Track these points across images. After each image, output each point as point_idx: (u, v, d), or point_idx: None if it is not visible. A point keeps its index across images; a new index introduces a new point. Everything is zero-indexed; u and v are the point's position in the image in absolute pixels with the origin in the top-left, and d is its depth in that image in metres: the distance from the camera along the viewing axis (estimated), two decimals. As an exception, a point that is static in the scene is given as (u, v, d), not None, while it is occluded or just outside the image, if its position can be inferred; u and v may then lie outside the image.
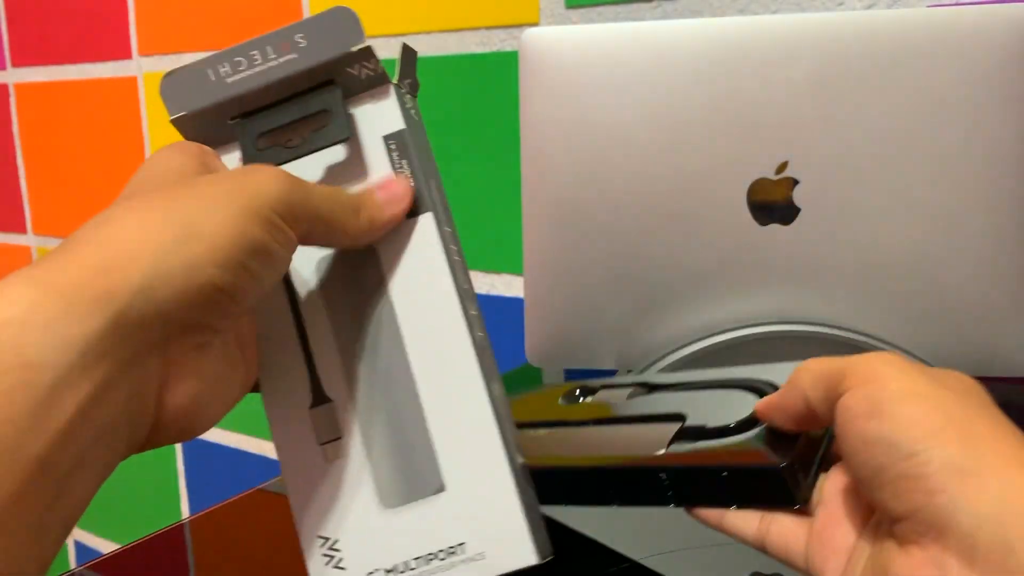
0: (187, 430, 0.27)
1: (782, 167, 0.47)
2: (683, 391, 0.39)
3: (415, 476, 0.30)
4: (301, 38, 0.32)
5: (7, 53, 1.18)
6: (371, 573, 0.29)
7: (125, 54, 1.04)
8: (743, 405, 0.34)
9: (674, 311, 0.49)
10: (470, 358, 0.30)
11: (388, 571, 0.29)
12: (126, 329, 0.24)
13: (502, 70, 0.75)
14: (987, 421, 0.25)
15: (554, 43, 0.48)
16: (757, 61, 0.46)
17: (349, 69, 0.32)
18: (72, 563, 1.31)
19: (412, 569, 0.29)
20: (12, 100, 1.19)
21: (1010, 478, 0.22)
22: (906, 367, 0.26)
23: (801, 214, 0.47)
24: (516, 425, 0.32)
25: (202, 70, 0.31)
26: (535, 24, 0.72)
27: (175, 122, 0.32)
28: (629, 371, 0.51)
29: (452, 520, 0.30)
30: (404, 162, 0.32)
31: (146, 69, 1.02)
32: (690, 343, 0.49)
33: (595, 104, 0.47)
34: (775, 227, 0.47)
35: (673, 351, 0.49)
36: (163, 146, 0.31)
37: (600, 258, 0.49)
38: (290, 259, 0.29)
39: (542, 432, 0.37)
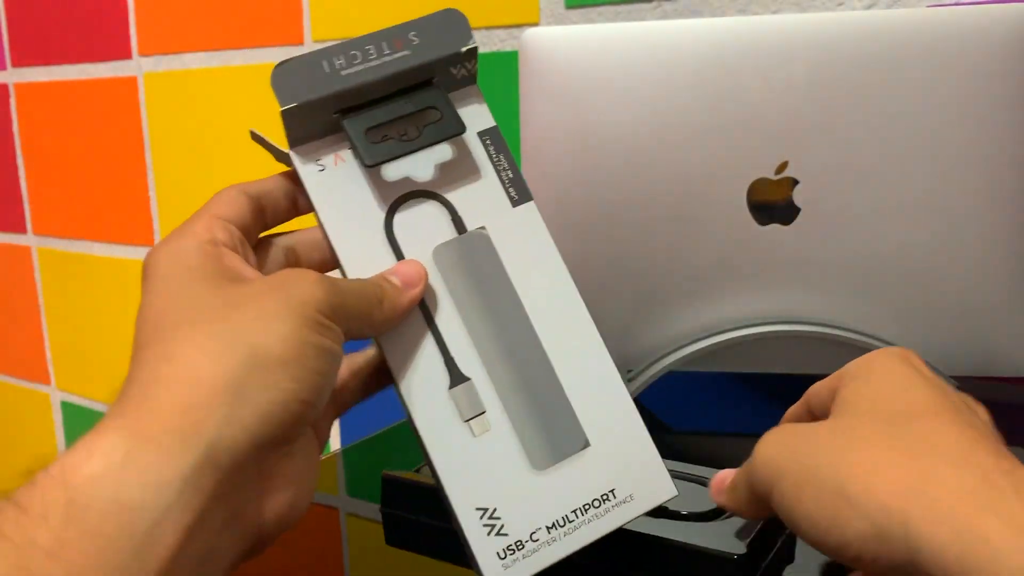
0: (285, 528, 0.28)
1: (782, 167, 0.47)
2: None
3: (561, 437, 0.32)
4: (415, 36, 0.33)
5: (7, 53, 1.18)
6: (533, 533, 0.31)
7: (125, 54, 1.04)
8: (699, 497, 0.37)
9: (674, 311, 0.49)
10: (590, 324, 0.33)
11: (549, 528, 0.31)
12: (218, 460, 0.25)
13: (502, 70, 0.75)
14: (870, 451, 0.26)
15: (554, 43, 0.48)
16: (757, 61, 0.46)
17: (452, 69, 0.34)
18: (72, 563, 1.32)
19: (571, 522, 0.31)
20: (12, 100, 1.20)
21: (904, 516, 0.24)
22: (784, 447, 0.28)
23: (801, 214, 0.47)
24: None
25: (316, 61, 0.32)
26: (535, 24, 0.72)
27: (285, 113, 0.32)
28: (629, 371, 0.51)
29: (600, 471, 0.32)
30: (500, 156, 0.34)
31: (146, 69, 1.02)
32: (690, 343, 0.49)
33: (595, 104, 0.47)
34: (775, 227, 0.47)
35: (673, 351, 0.50)
36: (165, 243, 0.30)
37: (600, 258, 0.49)
38: (342, 352, 0.30)
39: None
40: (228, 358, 0.26)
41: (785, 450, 0.28)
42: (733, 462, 0.33)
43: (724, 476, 0.33)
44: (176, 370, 0.26)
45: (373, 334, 0.32)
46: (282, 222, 0.35)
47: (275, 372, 0.26)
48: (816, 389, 0.33)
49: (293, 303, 0.28)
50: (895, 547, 0.24)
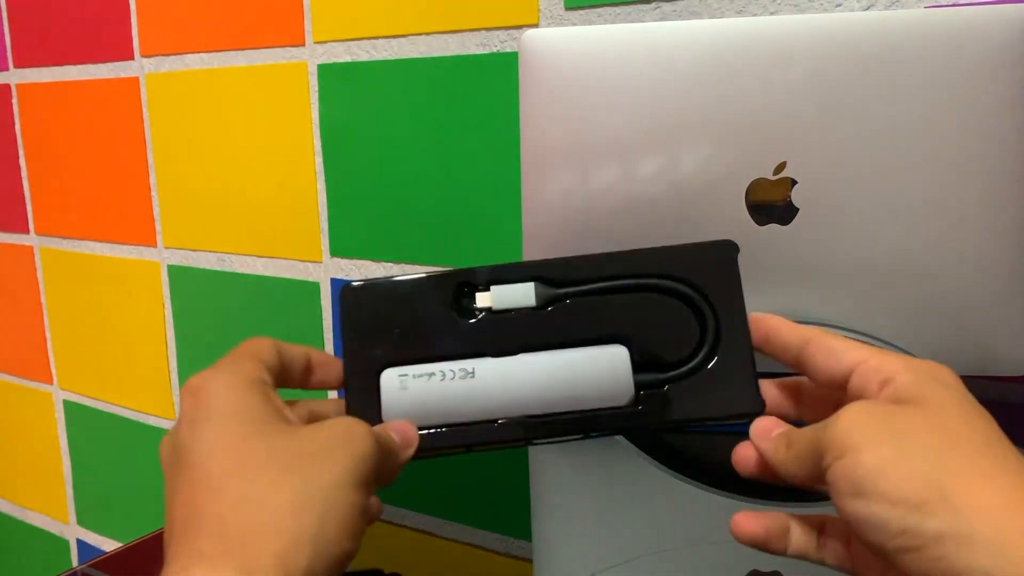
0: None
1: (780, 167, 0.47)
2: (599, 295, 0.40)
3: None
4: None
5: (9, 53, 1.18)
6: None
7: (127, 55, 1.04)
8: (679, 319, 0.38)
9: (673, 311, 0.50)
10: None
11: None
12: None
13: (502, 71, 0.75)
14: (971, 459, 0.26)
15: (553, 44, 0.48)
16: (756, 62, 0.46)
17: None
18: (74, 561, 1.32)
19: None
20: (15, 100, 1.20)
21: (1001, 525, 0.24)
22: (879, 421, 0.28)
23: (799, 214, 0.47)
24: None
25: None
26: (534, 25, 0.73)
27: None
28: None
29: None
30: None
31: (148, 70, 1.03)
32: (689, 343, 0.50)
33: (594, 105, 0.48)
34: (773, 227, 0.48)
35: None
36: (218, 375, 0.33)
37: (599, 258, 0.49)
38: None
39: (469, 366, 0.38)
40: (307, 514, 0.29)
41: (879, 423, 0.28)
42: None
43: (769, 425, 0.34)
44: (267, 518, 0.29)
45: (381, 486, 0.35)
46: (290, 387, 0.38)
47: (339, 533, 0.30)
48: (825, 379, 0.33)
49: (354, 460, 0.31)
50: (962, 552, 0.24)
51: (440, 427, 0.38)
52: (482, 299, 0.39)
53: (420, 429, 0.37)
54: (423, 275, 0.39)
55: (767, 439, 0.33)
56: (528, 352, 0.38)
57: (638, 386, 0.37)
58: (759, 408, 0.37)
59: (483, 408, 0.37)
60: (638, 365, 0.38)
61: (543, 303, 0.39)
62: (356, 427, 0.32)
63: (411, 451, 0.36)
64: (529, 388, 0.37)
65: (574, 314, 0.39)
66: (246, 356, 0.35)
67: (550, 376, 0.37)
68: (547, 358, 0.38)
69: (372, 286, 0.39)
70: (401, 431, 0.36)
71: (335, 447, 0.31)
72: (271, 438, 0.31)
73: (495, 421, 0.37)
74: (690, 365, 0.38)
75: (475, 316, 0.39)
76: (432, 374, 0.37)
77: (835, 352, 0.33)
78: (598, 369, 0.38)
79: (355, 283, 0.39)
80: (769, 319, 0.37)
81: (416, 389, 0.37)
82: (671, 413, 0.37)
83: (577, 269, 0.40)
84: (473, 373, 0.38)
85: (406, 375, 0.37)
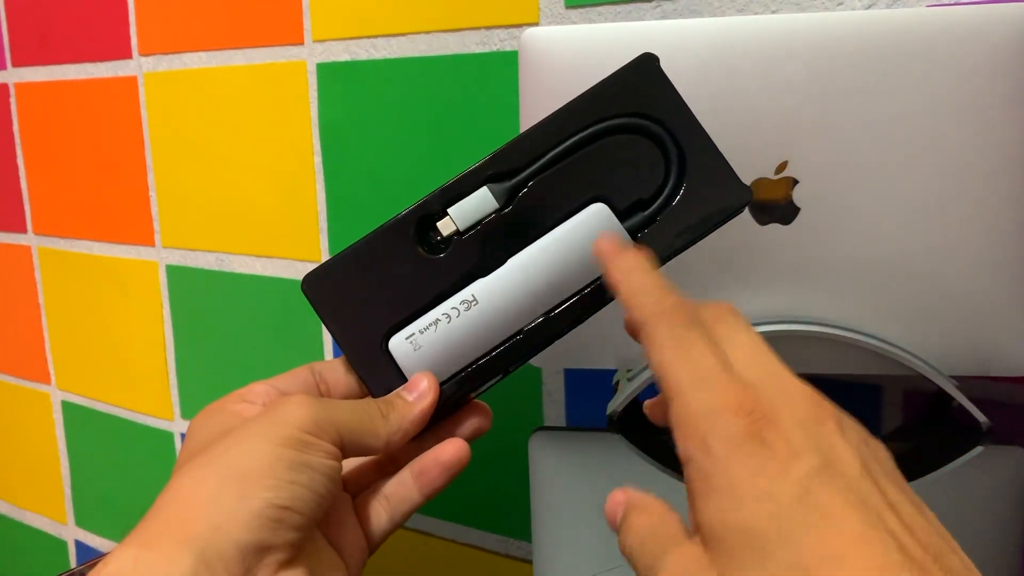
0: None
1: (782, 167, 0.47)
2: (553, 165, 0.39)
3: None
4: None
5: (7, 52, 1.18)
6: None
7: (125, 54, 1.04)
8: (639, 152, 0.38)
9: (674, 311, 0.50)
10: None
11: None
12: (210, 563, 0.29)
13: (502, 70, 0.75)
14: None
15: (554, 43, 0.48)
16: (757, 61, 0.46)
17: None
18: (72, 562, 1.32)
19: None
20: (12, 99, 1.20)
21: None
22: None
23: (801, 214, 0.47)
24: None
25: None
26: (535, 24, 0.72)
27: None
28: (629, 371, 0.51)
29: None
30: None
31: (146, 69, 1.03)
32: (690, 343, 0.49)
33: (595, 104, 0.47)
34: (775, 227, 0.47)
35: (673, 351, 0.50)
36: (209, 406, 0.37)
37: (600, 258, 0.49)
38: (339, 466, 0.34)
39: (468, 294, 0.37)
40: (208, 478, 0.31)
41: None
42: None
43: (612, 508, 0.30)
44: (170, 495, 0.31)
45: (383, 447, 0.36)
46: (340, 397, 0.39)
47: (248, 484, 0.30)
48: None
49: (269, 424, 0.32)
50: None
51: (471, 365, 0.37)
52: (445, 226, 0.38)
53: (454, 374, 0.37)
54: (373, 233, 0.38)
55: (613, 522, 0.30)
56: (515, 255, 0.37)
57: (631, 231, 0.37)
58: (747, 196, 0.37)
59: (502, 328, 0.37)
60: (622, 213, 0.37)
61: (505, 201, 0.38)
62: (287, 398, 0.34)
63: (427, 400, 0.36)
64: (533, 286, 0.37)
65: (540, 196, 0.38)
66: (255, 385, 0.37)
67: (546, 264, 0.37)
68: (535, 249, 0.37)
69: (330, 266, 0.39)
70: (410, 387, 0.37)
71: (256, 419, 0.33)
72: (208, 441, 0.33)
73: (520, 333, 0.37)
74: (669, 188, 0.37)
75: (446, 246, 0.38)
76: (437, 320, 0.37)
77: (655, 368, 0.29)
78: (587, 234, 0.37)
79: (311, 273, 0.39)
80: (619, 264, 0.32)
81: (429, 343, 0.37)
82: (673, 240, 0.37)
83: (520, 151, 0.39)
84: (475, 300, 0.37)
85: (412, 334, 0.37)
